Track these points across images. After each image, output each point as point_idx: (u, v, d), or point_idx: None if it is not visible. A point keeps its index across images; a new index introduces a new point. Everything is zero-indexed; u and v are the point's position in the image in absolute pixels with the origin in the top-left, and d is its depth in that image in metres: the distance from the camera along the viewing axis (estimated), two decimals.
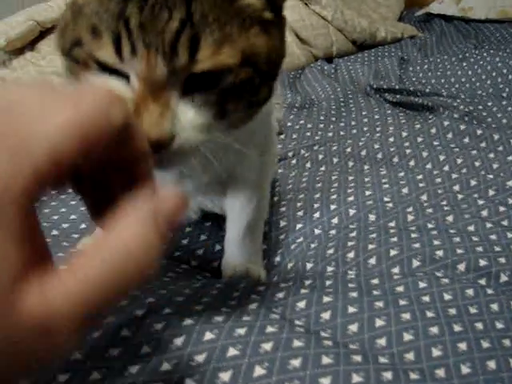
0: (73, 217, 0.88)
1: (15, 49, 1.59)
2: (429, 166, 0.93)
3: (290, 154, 1.05)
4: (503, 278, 0.63)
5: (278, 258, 0.74)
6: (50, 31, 1.59)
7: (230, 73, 0.41)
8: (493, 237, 0.70)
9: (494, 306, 0.57)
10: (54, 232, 0.82)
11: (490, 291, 0.60)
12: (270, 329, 0.50)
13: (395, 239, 0.70)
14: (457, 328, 0.53)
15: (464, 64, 1.56)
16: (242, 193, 0.69)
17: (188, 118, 0.42)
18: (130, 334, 0.50)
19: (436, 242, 0.69)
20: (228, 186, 0.69)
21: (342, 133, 1.15)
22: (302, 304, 0.57)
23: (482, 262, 0.65)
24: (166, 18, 0.39)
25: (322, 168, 0.97)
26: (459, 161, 0.92)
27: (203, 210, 0.79)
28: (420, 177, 0.87)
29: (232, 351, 0.47)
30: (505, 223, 0.75)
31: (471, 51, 1.67)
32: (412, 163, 0.95)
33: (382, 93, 1.39)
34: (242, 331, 0.49)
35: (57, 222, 0.85)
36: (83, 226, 0.85)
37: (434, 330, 0.53)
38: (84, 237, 0.78)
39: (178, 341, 0.48)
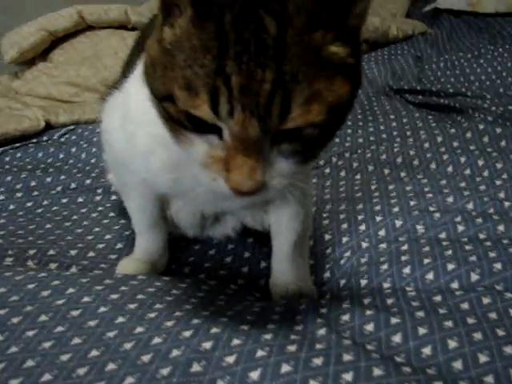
0: (108, 236, 0.86)
1: (27, 59, 1.58)
2: (468, 171, 0.91)
3: (322, 163, 1.03)
4: None
5: (327, 274, 0.73)
6: (61, 40, 1.58)
7: (315, 126, 0.41)
8: None
9: None
10: (91, 253, 0.80)
11: None
12: (346, 357, 0.49)
13: (450, 252, 0.68)
14: None
15: (481, 61, 1.54)
16: (289, 207, 0.68)
17: (277, 167, 0.43)
18: (199, 367, 0.48)
19: (492, 254, 0.67)
20: (271, 201, 0.67)
21: (371, 138, 1.13)
22: (369, 327, 0.55)
23: None
24: (260, 78, 0.38)
25: (358, 176, 0.95)
26: (499, 166, 0.90)
27: (244, 226, 0.78)
28: (463, 184, 0.85)
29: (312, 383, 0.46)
30: None
31: (486, 47, 1.65)
32: (450, 169, 0.93)
33: (403, 93, 1.37)
34: (318, 361, 0.48)
35: (92, 242, 0.83)
36: (119, 245, 0.83)
37: (508, 349, 0.51)
38: (121, 259, 0.76)
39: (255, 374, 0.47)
